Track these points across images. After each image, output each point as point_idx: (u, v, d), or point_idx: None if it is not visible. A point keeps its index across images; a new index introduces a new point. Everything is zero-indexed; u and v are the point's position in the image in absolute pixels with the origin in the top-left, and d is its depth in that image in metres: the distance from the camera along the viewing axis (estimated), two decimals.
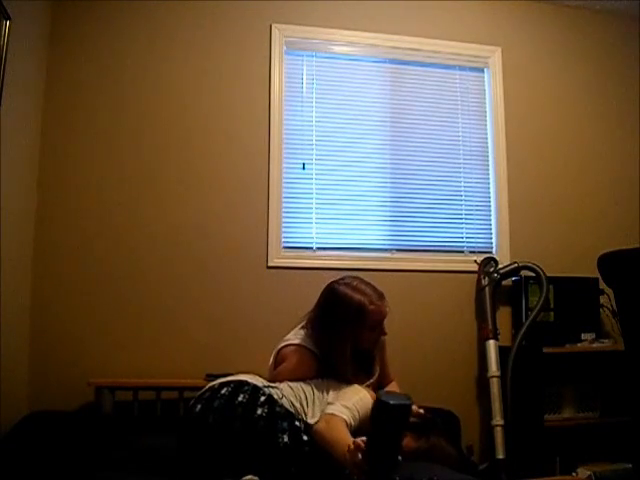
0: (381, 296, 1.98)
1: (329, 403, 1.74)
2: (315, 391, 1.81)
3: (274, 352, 2.08)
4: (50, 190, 2.77)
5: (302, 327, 2.08)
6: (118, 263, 2.79)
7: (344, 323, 1.91)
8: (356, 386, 1.86)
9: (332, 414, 1.66)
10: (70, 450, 1.93)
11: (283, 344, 2.05)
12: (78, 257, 2.76)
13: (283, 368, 1.96)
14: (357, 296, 1.92)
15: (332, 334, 1.92)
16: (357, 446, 1.37)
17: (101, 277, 2.76)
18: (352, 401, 1.74)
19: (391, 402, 1.36)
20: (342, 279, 2.03)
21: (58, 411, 2.38)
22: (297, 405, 1.74)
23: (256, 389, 1.67)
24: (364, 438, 1.40)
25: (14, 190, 2.41)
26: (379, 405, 1.39)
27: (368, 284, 2.01)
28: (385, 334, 2.04)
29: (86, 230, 2.78)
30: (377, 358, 2.07)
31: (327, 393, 1.81)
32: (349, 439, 1.49)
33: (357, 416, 1.70)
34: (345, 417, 1.65)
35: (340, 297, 1.95)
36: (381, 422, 1.37)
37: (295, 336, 2.05)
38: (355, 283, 1.99)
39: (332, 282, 2.04)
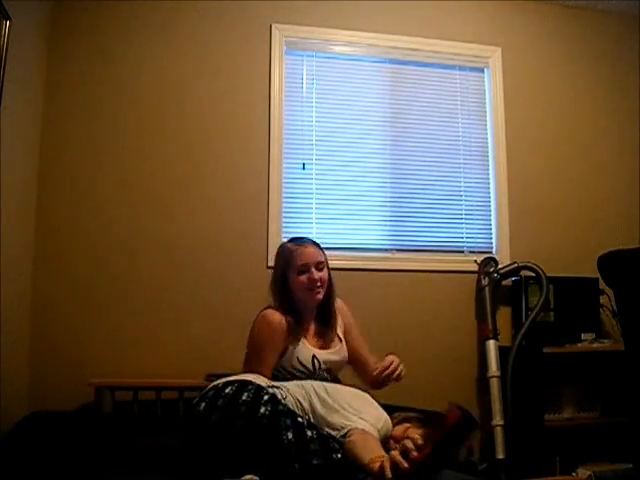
0: (312, 243, 2.13)
1: (351, 413, 1.69)
2: (326, 393, 1.76)
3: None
4: (50, 190, 2.77)
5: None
6: (118, 263, 2.79)
7: (280, 270, 2.10)
8: (377, 406, 1.83)
9: (365, 430, 1.63)
10: (70, 450, 1.93)
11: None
12: (78, 257, 2.76)
13: (252, 336, 2.09)
14: (287, 244, 2.14)
15: (277, 285, 2.10)
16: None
17: (101, 277, 2.77)
18: (381, 423, 1.72)
19: (471, 416, 1.26)
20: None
21: (58, 411, 2.37)
22: (305, 404, 1.72)
23: (260, 389, 1.67)
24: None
25: (14, 190, 2.41)
26: (462, 416, 1.27)
27: (308, 239, 2.18)
28: (316, 279, 2.05)
29: (86, 230, 2.78)
30: (333, 310, 2.16)
31: (339, 397, 1.75)
32: (384, 452, 1.47)
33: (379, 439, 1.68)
34: (375, 437, 1.64)
35: (278, 250, 2.18)
36: (454, 433, 1.27)
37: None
38: (294, 238, 2.19)
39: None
